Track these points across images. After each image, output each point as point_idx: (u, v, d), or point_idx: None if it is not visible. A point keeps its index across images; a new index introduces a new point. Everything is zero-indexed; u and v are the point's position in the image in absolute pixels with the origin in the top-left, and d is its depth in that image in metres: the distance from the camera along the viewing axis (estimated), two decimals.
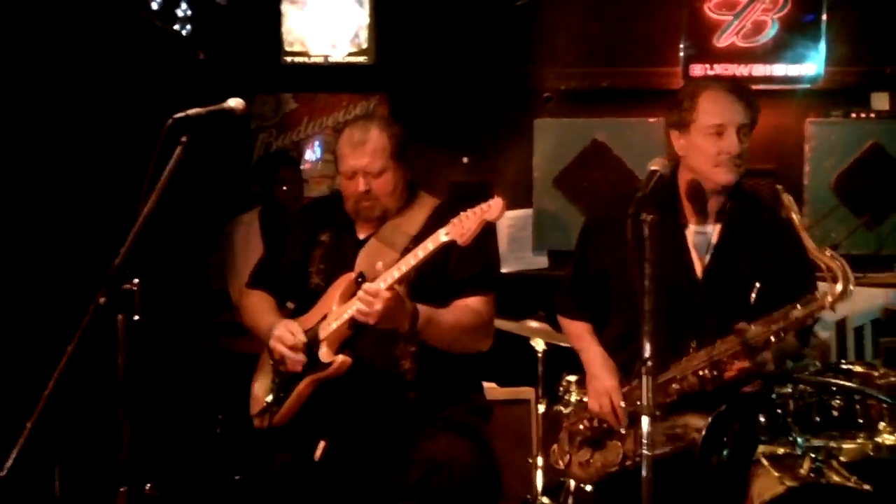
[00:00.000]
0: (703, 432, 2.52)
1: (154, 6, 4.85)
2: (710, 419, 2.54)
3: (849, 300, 2.42)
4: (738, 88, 2.70)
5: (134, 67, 4.62)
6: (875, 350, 4.86)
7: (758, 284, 2.62)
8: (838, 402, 3.49)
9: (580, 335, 3.01)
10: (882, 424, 3.49)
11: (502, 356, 3.52)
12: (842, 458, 3.54)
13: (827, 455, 3.42)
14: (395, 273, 2.86)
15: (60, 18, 4.16)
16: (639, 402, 2.20)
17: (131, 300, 2.38)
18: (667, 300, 2.65)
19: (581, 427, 2.82)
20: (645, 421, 2.14)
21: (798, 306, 2.47)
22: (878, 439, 3.48)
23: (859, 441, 3.51)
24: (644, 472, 2.08)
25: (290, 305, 3.31)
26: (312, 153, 5.68)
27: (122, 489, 2.40)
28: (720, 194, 2.74)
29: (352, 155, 3.04)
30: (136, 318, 2.38)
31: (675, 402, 2.61)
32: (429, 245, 2.83)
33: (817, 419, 3.52)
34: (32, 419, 2.27)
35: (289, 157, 5.23)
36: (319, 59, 5.51)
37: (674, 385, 2.57)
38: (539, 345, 4.25)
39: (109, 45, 4.48)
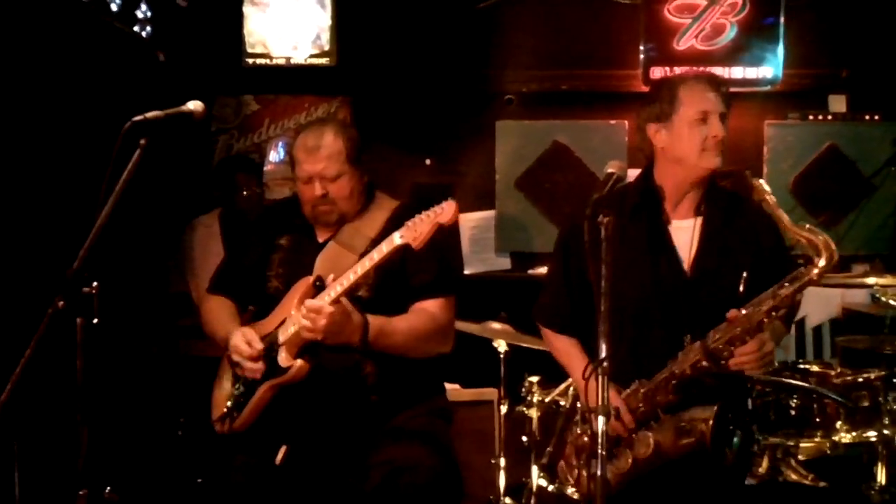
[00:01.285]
0: (711, 421, 2.52)
1: (114, 8, 4.80)
2: (715, 408, 2.55)
3: (832, 269, 2.45)
4: (714, 80, 2.77)
5: (93, 70, 4.57)
6: (832, 349, 4.94)
7: (745, 274, 2.66)
8: (795, 401, 3.56)
9: (569, 352, 2.97)
10: (839, 423, 3.56)
11: (466, 357, 3.52)
12: (799, 457, 3.61)
13: (784, 453, 3.48)
14: (344, 283, 2.86)
15: (18, 20, 4.10)
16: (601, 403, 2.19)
17: (90, 304, 2.35)
18: (657, 298, 2.72)
19: (586, 440, 2.79)
20: (601, 420, 2.15)
21: (786, 283, 2.49)
22: (836, 438, 3.55)
23: (816, 440, 3.57)
24: (598, 471, 2.10)
25: (251, 309, 3.31)
26: (275, 155, 5.65)
27: (80, 493, 2.37)
28: (698, 188, 2.77)
29: (307, 160, 3.03)
30: (95, 321, 2.36)
31: (679, 399, 2.61)
32: (382, 248, 2.83)
33: (774, 417, 3.59)
34: None
35: (247, 161, 5.20)
36: (281, 61, 5.49)
37: (673, 382, 2.57)
38: (501, 346, 4.26)
39: (68, 48, 4.42)
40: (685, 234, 2.79)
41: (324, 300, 2.84)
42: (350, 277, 2.85)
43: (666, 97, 2.76)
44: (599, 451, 2.09)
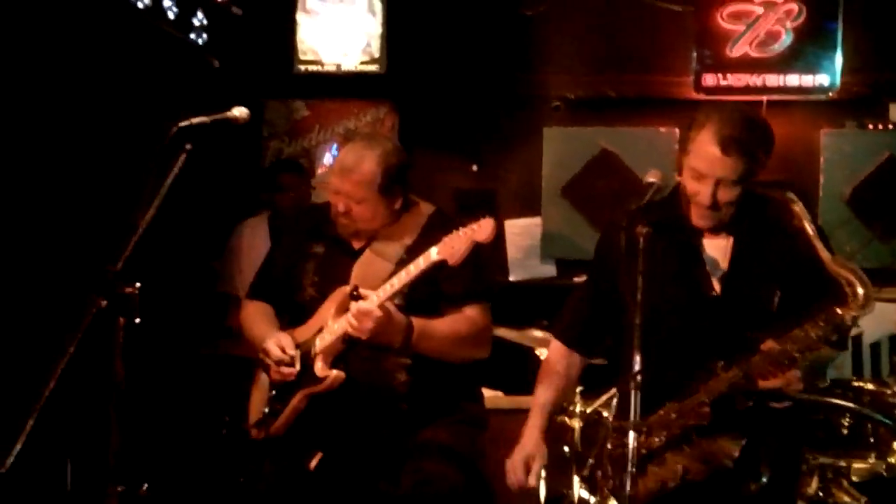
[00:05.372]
0: (735, 457, 2.45)
1: (171, 15, 4.89)
2: (741, 443, 2.46)
3: (870, 310, 2.35)
4: (735, 138, 2.50)
5: (148, 75, 4.67)
6: (892, 367, 4.79)
7: (778, 293, 2.55)
8: (848, 419, 3.45)
9: (551, 371, 2.89)
10: (895, 444, 3.44)
11: (510, 364, 3.49)
12: (853, 478, 3.49)
13: (835, 474, 3.38)
14: (388, 289, 2.87)
15: (79, 26, 4.20)
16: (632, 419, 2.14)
17: (132, 304, 2.38)
18: (687, 319, 2.60)
19: (614, 450, 2.71)
20: (631, 436, 2.10)
21: (819, 323, 2.38)
22: (892, 459, 3.43)
23: (870, 461, 3.46)
24: (627, 489, 2.05)
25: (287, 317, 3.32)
26: (329, 157, 5.69)
27: (116, 489, 2.40)
28: (730, 206, 2.66)
29: (338, 177, 3.03)
30: (137, 321, 2.39)
31: (710, 423, 2.51)
32: (420, 262, 2.84)
33: (823, 436, 3.48)
34: (32, 416, 2.27)
35: (292, 164, 5.24)
36: (332, 68, 5.56)
37: (705, 408, 2.48)
38: (543, 354, 4.22)
39: (125, 54, 4.52)
40: (718, 250, 2.69)
41: (370, 305, 2.84)
42: (394, 284, 2.87)
43: (689, 133, 2.59)
44: (630, 467, 2.04)
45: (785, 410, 2.61)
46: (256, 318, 3.23)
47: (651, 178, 2.54)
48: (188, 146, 2.58)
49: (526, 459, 2.76)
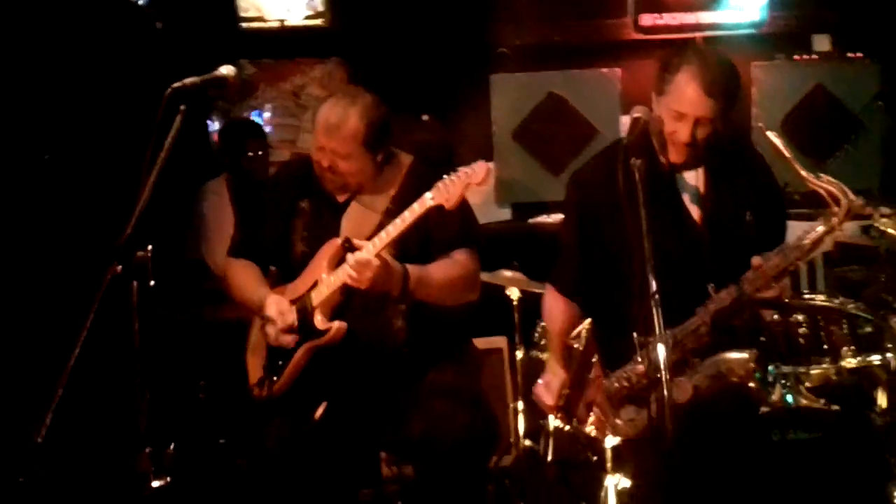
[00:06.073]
0: (752, 365, 2.63)
1: None
2: (754, 352, 2.64)
3: (853, 216, 2.53)
4: (714, 79, 2.65)
5: (92, 38, 4.60)
6: (826, 281, 5.09)
7: (749, 217, 2.72)
8: (804, 329, 3.71)
9: (556, 320, 3.07)
10: (844, 349, 3.73)
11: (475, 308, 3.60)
12: (807, 384, 3.77)
13: (795, 380, 3.64)
14: (383, 237, 2.94)
15: None
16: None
17: (144, 267, 2.43)
18: (672, 247, 2.72)
19: (617, 387, 2.85)
20: (661, 348, 2.26)
21: (810, 232, 2.56)
22: (842, 363, 3.71)
23: (824, 366, 3.74)
24: (666, 395, 2.21)
25: (273, 270, 3.36)
26: (272, 118, 5.70)
27: (145, 452, 2.47)
28: (705, 142, 2.81)
29: (323, 134, 3.06)
30: (152, 283, 2.44)
31: (708, 345, 2.67)
32: (415, 208, 2.90)
33: (784, 347, 3.74)
34: (60, 387, 2.31)
35: (255, 127, 5.24)
36: (275, 24, 5.52)
37: (702, 328, 2.63)
38: (514, 293, 4.38)
39: (66, 19, 4.44)
40: (692, 182, 2.83)
41: (367, 255, 2.91)
42: (390, 231, 2.93)
43: (662, 73, 2.73)
44: (663, 377, 2.20)
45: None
46: (246, 278, 3.25)
47: (637, 113, 2.65)
48: (182, 107, 2.60)
49: (546, 383, 3.02)
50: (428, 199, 2.89)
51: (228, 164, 4.84)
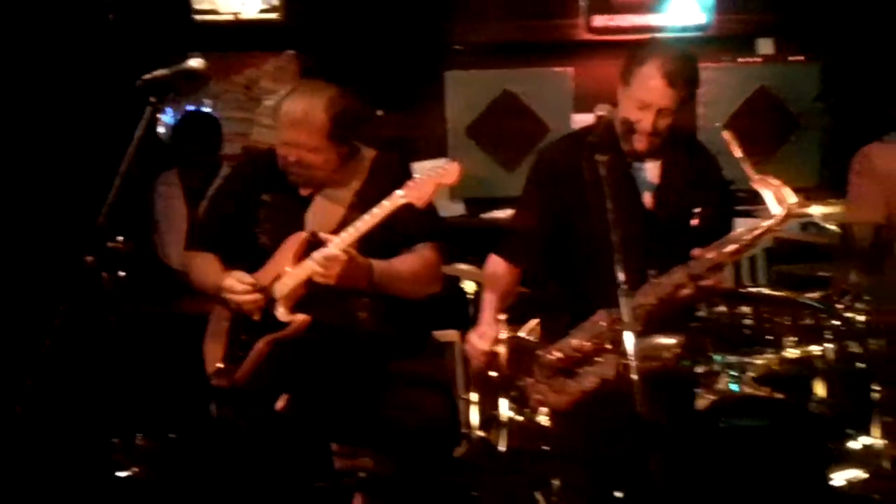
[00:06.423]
0: (678, 353, 2.77)
1: None
2: (682, 337, 2.79)
3: (792, 220, 2.68)
4: (677, 71, 2.82)
5: (43, 28, 4.57)
6: (768, 276, 5.27)
7: (698, 210, 2.88)
8: (749, 321, 3.85)
9: (499, 283, 3.17)
10: (787, 340, 3.88)
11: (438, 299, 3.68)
12: (751, 374, 3.92)
13: (740, 370, 3.78)
14: (352, 232, 2.99)
15: None
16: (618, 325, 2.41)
17: (117, 258, 2.45)
18: (625, 234, 2.81)
19: (551, 358, 3.00)
20: (630, 336, 2.38)
21: (750, 230, 2.72)
22: (785, 354, 3.87)
23: (768, 356, 3.89)
24: (637, 383, 2.31)
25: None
26: (223, 111, 5.69)
27: (115, 441, 2.48)
28: (665, 132, 2.95)
29: (288, 128, 3.08)
30: (122, 274, 2.46)
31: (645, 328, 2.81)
32: (386, 205, 2.96)
33: (730, 338, 3.88)
34: (31, 377, 2.32)
35: (210, 119, 5.25)
36: (229, 17, 5.51)
37: (638, 311, 2.76)
38: (470, 287, 4.45)
39: (16, 7, 4.42)
40: (649, 172, 2.99)
41: (334, 251, 2.96)
42: (359, 227, 2.98)
43: (629, 65, 2.90)
44: (633, 363, 2.31)
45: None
46: (206, 267, 3.26)
47: (601, 111, 2.79)
48: (153, 99, 2.62)
49: (481, 334, 3.08)
50: (399, 197, 2.95)
51: (181, 155, 4.84)
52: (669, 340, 2.83)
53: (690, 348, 2.88)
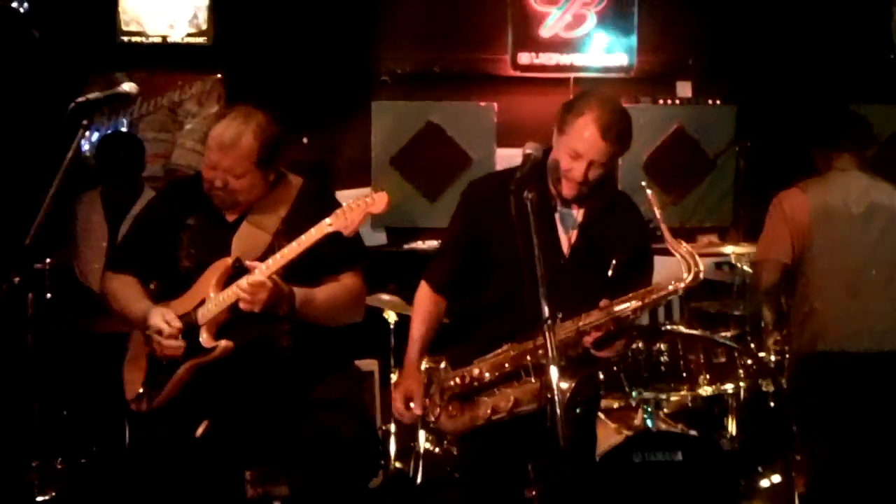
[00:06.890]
0: (567, 395, 2.83)
1: None
2: (572, 384, 2.87)
3: (696, 284, 2.78)
4: (612, 127, 2.87)
5: None
6: (681, 313, 5.41)
7: (614, 262, 2.95)
8: (665, 358, 3.97)
9: (426, 319, 3.17)
10: (701, 378, 4.01)
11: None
12: (665, 410, 4.04)
13: (655, 406, 3.89)
14: (278, 259, 2.98)
15: None
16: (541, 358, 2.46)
17: (43, 279, 2.42)
18: (535, 277, 2.80)
19: (451, 384, 3.04)
20: (553, 371, 2.43)
21: (654, 291, 2.81)
22: (699, 391, 3.99)
23: (682, 393, 4.01)
24: (558, 413, 2.37)
25: (152, 287, 3.33)
26: (146, 132, 5.63)
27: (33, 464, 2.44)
28: (593, 182, 3.02)
29: (217, 152, 3.07)
30: (48, 296, 2.42)
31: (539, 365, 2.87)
32: (313, 233, 2.97)
33: (646, 374, 3.99)
34: None
35: (133, 140, 5.18)
36: (157, 40, 5.49)
37: (540, 351, 2.80)
38: (391, 317, 4.49)
39: None
40: (568, 220, 3.06)
41: (261, 278, 2.95)
42: (285, 254, 2.98)
43: (565, 115, 2.93)
44: (555, 397, 2.36)
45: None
46: (128, 292, 3.21)
47: (529, 149, 2.85)
48: (85, 121, 2.61)
49: (406, 393, 3.06)
50: (326, 226, 2.96)
51: (102, 174, 4.76)
52: (534, 385, 2.90)
53: (581, 393, 2.96)
